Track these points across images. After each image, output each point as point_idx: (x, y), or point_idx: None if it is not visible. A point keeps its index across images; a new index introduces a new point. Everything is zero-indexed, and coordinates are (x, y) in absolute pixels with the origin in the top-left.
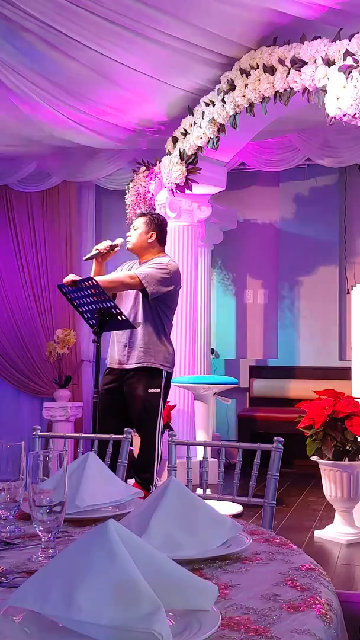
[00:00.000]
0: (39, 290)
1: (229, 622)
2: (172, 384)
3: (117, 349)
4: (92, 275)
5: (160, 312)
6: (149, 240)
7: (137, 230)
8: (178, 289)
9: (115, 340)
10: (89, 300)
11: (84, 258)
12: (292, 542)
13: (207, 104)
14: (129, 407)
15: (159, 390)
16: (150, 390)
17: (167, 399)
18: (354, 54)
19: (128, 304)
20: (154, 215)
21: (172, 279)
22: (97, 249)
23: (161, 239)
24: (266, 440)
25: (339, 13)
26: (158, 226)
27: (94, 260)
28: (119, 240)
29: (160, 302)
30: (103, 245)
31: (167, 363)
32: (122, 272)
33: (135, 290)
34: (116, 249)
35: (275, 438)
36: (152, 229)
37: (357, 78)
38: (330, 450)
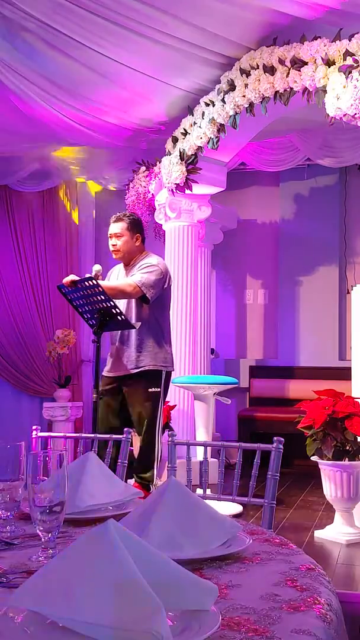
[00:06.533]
0: (39, 290)
1: (229, 622)
2: (172, 384)
3: (115, 359)
4: None
5: (156, 313)
6: (137, 244)
7: (123, 238)
8: (170, 286)
9: (113, 350)
10: (88, 301)
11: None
12: (292, 542)
13: (207, 104)
14: (129, 407)
15: (158, 389)
16: (150, 390)
17: (167, 399)
18: (354, 54)
19: (121, 307)
20: (131, 218)
21: (165, 278)
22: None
23: (144, 239)
24: (266, 440)
25: (339, 13)
26: (139, 227)
27: None
28: (96, 268)
29: (154, 303)
30: (86, 279)
31: (166, 363)
32: (121, 280)
33: None
34: (99, 276)
35: (275, 438)
36: (136, 231)
37: (357, 78)
38: (330, 450)
